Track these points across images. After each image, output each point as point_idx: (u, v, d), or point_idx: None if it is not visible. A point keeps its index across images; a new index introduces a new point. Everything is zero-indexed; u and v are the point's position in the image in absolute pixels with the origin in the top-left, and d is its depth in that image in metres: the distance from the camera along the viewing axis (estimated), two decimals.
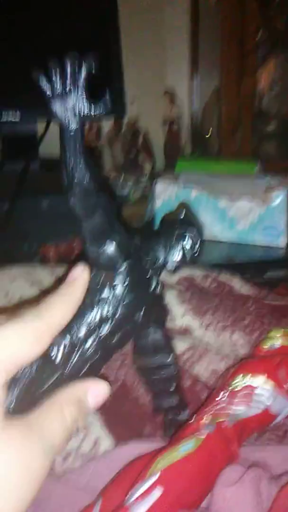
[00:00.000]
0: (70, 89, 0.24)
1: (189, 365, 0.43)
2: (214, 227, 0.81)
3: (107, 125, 1.35)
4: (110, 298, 0.26)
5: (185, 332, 0.48)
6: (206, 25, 1.33)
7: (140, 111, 1.39)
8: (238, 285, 0.57)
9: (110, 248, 0.27)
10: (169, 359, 0.33)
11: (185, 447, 0.26)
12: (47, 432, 0.19)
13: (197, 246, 0.30)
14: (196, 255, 0.31)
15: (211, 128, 1.32)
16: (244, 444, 0.32)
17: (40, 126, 1.01)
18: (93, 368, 0.25)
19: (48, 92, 0.24)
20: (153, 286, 0.29)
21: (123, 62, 0.98)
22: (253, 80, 1.19)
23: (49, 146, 1.27)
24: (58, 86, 0.24)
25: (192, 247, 0.31)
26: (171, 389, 0.34)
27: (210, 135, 1.32)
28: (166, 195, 0.85)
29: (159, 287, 0.30)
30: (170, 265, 0.30)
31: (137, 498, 0.23)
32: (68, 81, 0.24)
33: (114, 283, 0.26)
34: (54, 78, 0.24)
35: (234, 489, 0.26)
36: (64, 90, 0.24)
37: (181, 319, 0.50)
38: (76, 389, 0.21)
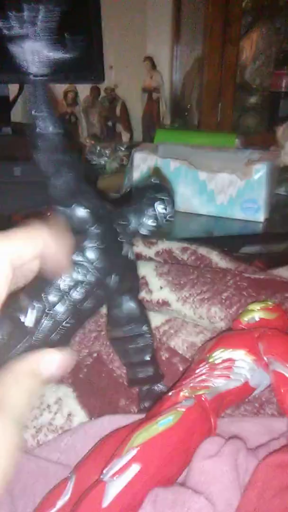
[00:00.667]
0: (29, 31, 0.23)
1: (167, 338, 0.42)
2: (194, 200, 0.80)
3: (84, 91, 1.30)
4: (81, 261, 0.25)
5: (163, 305, 0.47)
6: None
7: (119, 79, 1.35)
8: (217, 258, 0.56)
9: (80, 210, 0.26)
10: (144, 328, 0.32)
11: (164, 421, 0.25)
12: (8, 406, 0.19)
13: (169, 209, 0.29)
14: (168, 218, 0.30)
15: (189, 104, 1.29)
16: (222, 416, 0.32)
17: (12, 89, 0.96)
18: (64, 333, 0.25)
19: (7, 32, 0.23)
20: (125, 251, 0.28)
21: (102, 27, 0.94)
22: (236, 49, 1.16)
23: (22, 111, 1.21)
24: (16, 26, 0.23)
25: (164, 209, 0.29)
26: (146, 359, 0.33)
27: (190, 106, 1.29)
28: (144, 166, 0.83)
29: (131, 252, 0.29)
30: (142, 229, 0.29)
31: (113, 474, 0.23)
32: (27, 23, 0.23)
33: (85, 246, 0.26)
34: (11, 19, 0.22)
35: (211, 462, 0.25)
36: (23, 31, 0.23)
37: (158, 292, 0.49)
38: (29, 361, 0.21)
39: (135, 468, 0.23)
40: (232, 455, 0.25)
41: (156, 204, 0.29)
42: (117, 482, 0.22)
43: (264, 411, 0.32)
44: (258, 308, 0.37)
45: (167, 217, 0.29)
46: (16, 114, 1.13)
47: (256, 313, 0.36)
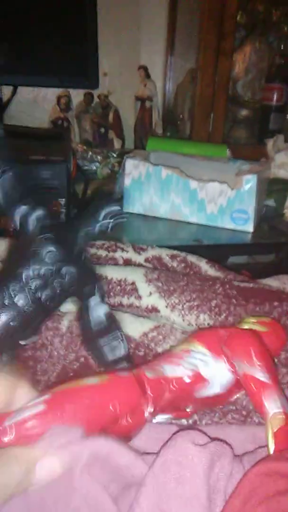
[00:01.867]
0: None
1: (155, 344, 0.42)
2: (184, 208, 0.80)
3: (77, 96, 1.30)
4: (38, 258, 0.28)
5: (152, 311, 0.47)
6: (185, 3, 1.29)
7: (112, 86, 1.35)
8: (206, 266, 0.56)
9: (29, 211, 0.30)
10: (116, 333, 0.33)
11: (89, 380, 0.27)
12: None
13: (117, 211, 0.33)
14: (118, 219, 0.33)
15: (182, 115, 1.30)
16: (209, 423, 0.31)
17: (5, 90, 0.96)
18: (24, 320, 0.27)
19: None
20: (78, 249, 0.31)
21: (98, 34, 0.94)
22: (229, 62, 1.18)
23: (15, 113, 1.21)
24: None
25: (112, 212, 0.33)
26: (120, 356, 0.34)
27: (182, 117, 1.30)
28: (136, 173, 0.83)
29: (84, 252, 0.32)
30: (93, 229, 0.32)
31: (24, 407, 0.24)
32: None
33: (42, 240, 0.29)
34: None
35: (181, 461, 0.25)
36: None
37: (148, 298, 0.48)
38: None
39: (40, 407, 0.24)
40: (208, 458, 0.25)
41: (106, 209, 0.32)
42: (18, 413, 0.24)
43: (251, 420, 0.32)
44: (254, 321, 0.37)
45: (115, 219, 0.33)
46: (9, 116, 1.13)
47: (249, 324, 0.36)
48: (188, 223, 0.81)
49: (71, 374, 0.40)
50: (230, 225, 0.78)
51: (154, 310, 0.48)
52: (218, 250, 0.75)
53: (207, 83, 1.19)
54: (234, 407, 0.33)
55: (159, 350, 0.41)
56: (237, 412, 0.32)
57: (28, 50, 0.83)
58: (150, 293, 0.49)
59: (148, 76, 1.34)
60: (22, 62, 0.84)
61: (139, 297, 0.48)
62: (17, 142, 0.89)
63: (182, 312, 0.46)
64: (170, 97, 1.36)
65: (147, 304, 0.48)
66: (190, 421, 0.33)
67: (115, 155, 1.13)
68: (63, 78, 0.85)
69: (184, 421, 0.33)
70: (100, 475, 0.25)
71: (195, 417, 0.33)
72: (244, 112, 1.30)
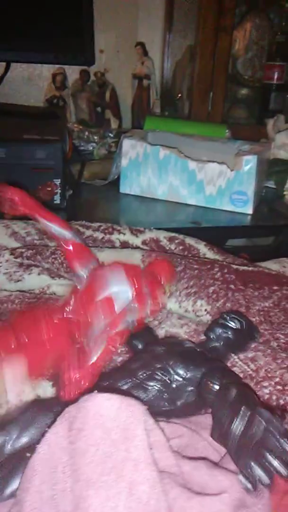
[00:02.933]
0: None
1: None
2: (182, 189, 0.79)
3: (73, 74, 1.27)
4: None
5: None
6: None
7: (109, 64, 1.31)
8: (205, 249, 0.55)
9: None
10: None
11: None
12: None
13: None
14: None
15: (180, 93, 1.27)
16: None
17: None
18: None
19: None
20: None
21: (94, 10, 0.91)
22: (229, 39, 1.14)
23: (9, 91, 1.18)
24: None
25: None
26: None
27: (180, 96, 1.27)
28: (133, 153, 0.81)
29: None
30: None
31: None
32: None
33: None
34: None
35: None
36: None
37: None
38: None
39: None
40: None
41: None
42: None
43: None
44: None
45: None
46: (3, 94, 1.10)
47: None
48: (186, 204, 0.79)
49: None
50: (229, 207, 0.77)
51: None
52: (216, 233, 0.74)
53: (206, 61, 1.15)
54: None
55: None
56: None
57: (22, 26, 0.79)
58: None
59: (145, 53, 1.30)
60: (15, 37, 0.81)
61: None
62: (10, 120, 0.86)
63: (179, 299, 0.45)
64: (168, 75, 1.33)
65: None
66: None
67: (112, 135, 1.11)
68: (58, 55, 0.82)
69: None
70: None
71: None
72: (244, 91, 1.27)
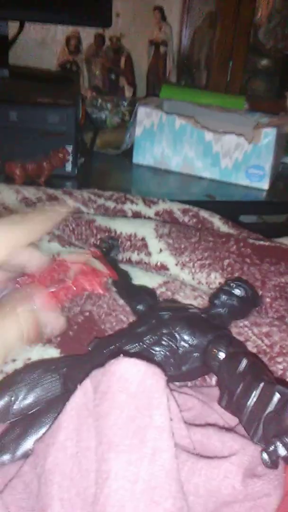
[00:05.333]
0: None
1: (163, 300, 0.40)
2: (197, 162, 0.76)
3: (87, 38, 1.22)
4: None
5: (161, 268, 0.45)
6: None
7: (125, 29, 1.27)
8: (219, 222, 0.54)
9: None
10: None
11: None
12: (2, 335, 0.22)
13: None
14: None
15: (198, 62, 1.22)
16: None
17: (12, 29, 0.89)
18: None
19: None
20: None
21: None
22: (251, 7, 1.09)
23: (22, 54, 1.14)
24: None
25: None
26: None
27: (198, 64, 1.23)
28: (148, 122, 0.78)
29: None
30: None
31: None
32: None
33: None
34: None
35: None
36: None
37: (157, 255, 0.46)
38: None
39: None
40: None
41: None
42: None
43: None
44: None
45: None
46: (15, 56, 1.06)
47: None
48: (200, 177, 0.77)
49: (75, 327, 0.38)
50: (244, 182, 0.74)
51: (163, 268, 0.46)
52: (230, 207, 0.72)
53: (227, 29, 1.11)
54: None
55: None
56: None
57: None
58: (160, 250, 0.47)
59: (164, 18, 1.25)
60: None
61: (148, 254, 0.46)
62: (23, 83, 0.83)
63: (193, 270, 0.44)
64: (186, 42, 1.28)
65: (156, 261, 0.46)
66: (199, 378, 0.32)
67: (125, 104, 1.07)
68: (74, 15, 0.78)
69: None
70: None
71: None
72: (264, 62, 1.22)
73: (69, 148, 0.71)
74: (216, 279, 0.43)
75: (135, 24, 1.28)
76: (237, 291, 0.34)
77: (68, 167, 0.72)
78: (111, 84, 1.24)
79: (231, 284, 0.34)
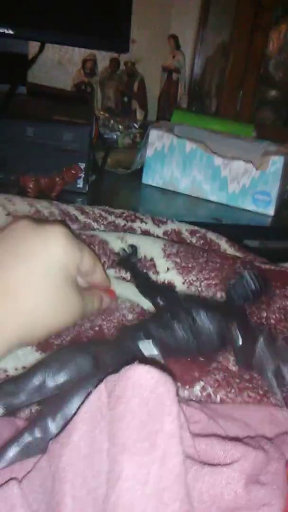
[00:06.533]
0: None
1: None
2: (205, 185, 0.78)
3: (103, 62, 1.27)
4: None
5: (168, 286, 0.46)
6: None
7: (140, 54, 1.31)
8: (226, 245, 0.55)
9: None
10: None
11: None
12: (86, 302, 0.34)
13: None
14: None
15: (209, 90, 1.26)
16: (224, 399, 0.31)
17: (31, 48, 0.92)
18: None
19: None
20: None
21: None
22: (264, 39, 1.13)
23: (39, 73, 1.18)
24: None
25: None
26: None
27: (209, 92, 1.26)
28: (159, 145, 0.81)
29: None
30: None
31: None
32: None
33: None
34: None
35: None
36: None
37: (165, 274, 0.47)
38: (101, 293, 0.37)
39: None
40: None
41: None
42: None
43: (267, 400, 0.31)
44: None
45: None
46: (32, 74, 1.10)
47: None
48: (208, 201, 0.79)
49: (85, 340, 0.39)
50: (250, 207, 0.76)
51: (170, 285, 0.47)
52: (235, 231, 0.74)
53: (239, 59, 1.15)
54: (250, 385, 0.32)
55: None
56: (253, 391, 0.32)
57: (60, 6, 0.79)
58: (168, 269, 0.48)
59: (178, 46, 1.29)
60: (52, 18, 0.81)
61: (156, 272, 0.47)
62: (40, 101, 0.86)
63: (199, 289, 0.45)
64: (198, 71, 1.32)
65: (163, 279, 0.47)
66: (204, 394, 0.32)
67: (137, 126, 1.11)
68: (94, 38, 0.82)
69: (198, 393, 0.33)
70: None
71: (209, 390, 0.33)
72: (273, 93, 1.26)
73: (82, 165, 0.73)
74: (222, 298, 0.44)
75: (150, 50, 1.32)
76: (251, 286, 0.37)
77: (80, 183, 0.74)
78: (123, 107, 1.28)
79: (246, 276, 0.37)
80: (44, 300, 0.29)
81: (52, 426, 0.23)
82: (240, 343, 0.30)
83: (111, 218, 0.60)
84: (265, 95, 1.27)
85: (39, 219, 0.36)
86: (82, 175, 0.74)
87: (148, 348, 0.30)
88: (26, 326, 0.28)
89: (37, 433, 0.22)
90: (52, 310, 0.30)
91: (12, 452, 0.21)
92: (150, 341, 0.30)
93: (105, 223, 0.59)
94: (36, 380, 0.25)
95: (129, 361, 0.22)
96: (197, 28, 1.31)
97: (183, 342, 0.31)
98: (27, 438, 0.22)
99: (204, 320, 0.31)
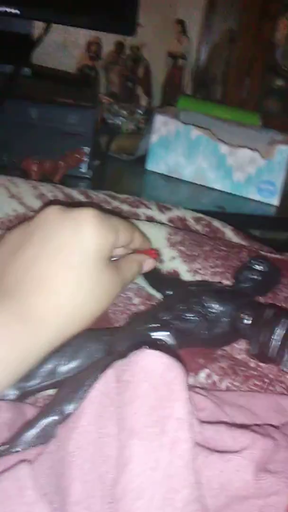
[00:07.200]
0: None
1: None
2: (209, 173, 0.78)
3: (108, 46, 1.24)
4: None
5: (173, 275, 0.46)
6: None
7: (145, 39, 1.29)
8: (231, 233, 0.55)
9: None
10: None
11: None
12: (125, 274, 0.33)
13: None
14: None
15: (214, 77, 1.24)
16: (230, 387, 0.31)
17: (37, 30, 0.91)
18: None
19: None
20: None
21: None
22: (273, 26, 1.12)
23: (42, 56, 1.16)
24: None
25: None
26: None
27: (214, 79, 1.25)
28: (164, 131, 0.80)
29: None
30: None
31: None
32: None
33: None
34: None
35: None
36: None
37: (170, 262, 0.47)
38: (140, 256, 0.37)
39: None
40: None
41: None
42: None
43: (273, 388, 0.31)
44: None
45: None
46: (35, 56, 1.08)
47: None
48: (212, 189, 0.78)
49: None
50: (254, 196, 0.76)
51: (175, 274, 0.46)
52: (238, 220, 0.73)
53: (247, 47, 1.13)
54: (256, 373, 0.32)
55: None
56: (259, 379, 0.32)
57: None
58: (173, 258, 0.47)
59: (184, 32, 1.27)
60: None
61: (161, 261, 0.47)
62: (45, 83, 0.85)
63: (205, 277, 0.45)
64: (204, 57, 1.30)
65: (168, 268, 0.47)
66: (209, 381, 0.32)
67: (141, 112, 1.09)
68: (100, 20, 0.80)
69: (202, 380, 0.32)
70: None
71: (214, 377, 0.32)
72: (279, 82, 1.24)
73: (86, 150, 0.72)
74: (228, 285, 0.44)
75: (156, 35, 1.30)
76: (258, 267, 0.36)
77: (83, 168, 0.73)
78: (127, 92, 1.26)
79: (253, 261, 0.37)
80: (82, 290, 0.29)
81: (69, 409, 0.22)
82: (253, 331, 0.29)
83: (115, 203, 0.59)
84: (271, 84, 1.25)
85: (69, 204, 0.36)
86: (86, 159, 0.73)
87: (162, 337, 0.30)
88: (68, 319, 0.28)
89: (54, 416, 0.22)
90: (91, 298, 0.29)
91: (30, 434, 0.21)
92: (166, 331, 0.30)
93: (109, 208, 0.58)
94: (50, 365, 0.25)
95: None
96: (204, 14, 1.29)
97: (196, 331, 0.31)
98: (44, 420, 0.22)
99: (215, 307, 0.31)
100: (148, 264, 0.38)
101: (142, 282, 0.42)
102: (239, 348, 0.35)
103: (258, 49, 1.13)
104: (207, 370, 0.33)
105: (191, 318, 0.31)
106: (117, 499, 0.18)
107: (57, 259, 0.29)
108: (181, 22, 1.27)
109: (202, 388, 0.31)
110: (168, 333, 0.30)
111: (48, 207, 0.32)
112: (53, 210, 0.31)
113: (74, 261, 0.29)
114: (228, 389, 0.31)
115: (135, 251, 0.37)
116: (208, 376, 0.33)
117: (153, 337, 0.29)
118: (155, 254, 0.40)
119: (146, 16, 1.27)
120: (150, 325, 0.30)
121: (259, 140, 0.78)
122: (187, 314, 0.31)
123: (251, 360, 0.34)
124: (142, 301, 0.39)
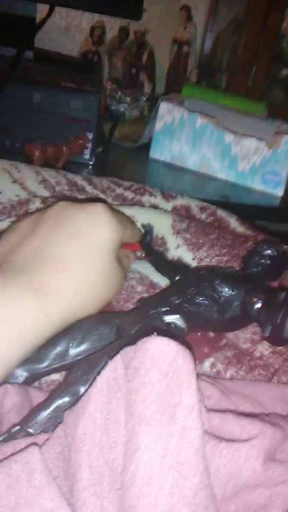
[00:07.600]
0: None
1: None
2: (214, 163, 0.77)
3: (112, 30, 1.22)
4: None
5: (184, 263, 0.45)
6: None
7: (150, 25, 1.27)
8: (236, 223, 0.54)
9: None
10: None
11: None
12: (124, 266, 0.35)
13: None
14: None
15: (220, 65, 1.23)
16: (234, 376, 0.31)
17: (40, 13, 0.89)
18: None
19: None
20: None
21: None
22: (280, 15, 1.10)
23: (45, 40, 1.14)
24: None
25: None
26: None
27: (220, 67, 1.23)
28: (169, 118, 0.79)
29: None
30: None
31: None
32: None
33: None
34: None
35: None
36: None
37: (175, 251, 0.46)
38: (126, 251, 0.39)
39: None
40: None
41: None
42: None
43: (278, 378, 0.31)
44: None
45: None
46: (37, 40, 1.06)
47: None
48: (216, 178, 0.78)
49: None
50: (259, 186, 0.75)
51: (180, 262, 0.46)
52: (242, 211, 0.72)
53: (253, 35, 1.11)
54: (261, 362, 0.32)
55: None
56: (264, 368, 0.31)
57: None
58: (178, 246, 0.47)
59: (190, 18, 1.25)
60: None
61: (166, 249, 0.47)
62: (48, 67, 0.83)
63: (210, 265, 0.44)
64: (209, 44, 1.28)
65: (173, 256, 0.46)
66: (214, 370, 0.32)
67: (145, 99, 1.08)
68: (105, 3, 0.78)
69: (207, 369, 0.32)
70: None
71: (219, 366, 0.32)
72: (285, 72, 1.23)
73: (90, 136, 0.71)
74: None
75: (161, 21, 1.28)
76: (268, 251, 0.36)
77: (87, 154, 0.72)
78: (131, 78, 1.24)
79: (262, 246, 0.37)
80: (95, 275, 0.31)
81: (82, 390, 0.22)
82: (265, 314, 0.29)
83: (119, 191, 0.59)
84: (277, 73, 1.23)
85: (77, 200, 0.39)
86: (90, 145, 0.72)
87: (173, 320, 0.29)
88: (80, 300, 0.29)
89: (68, 397, 0.22)
90: (102, 284, 0.31)
91: (43, 415, 0.21)
92: (177, 314, 0.30)
93: (113, 195, 0.58)
94: (60, 347, 0.25)
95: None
96: (211, 1, 1.27)
97: (207, 314, 0.31)
98: (57, 401, 0.22)
99: (226, 291, 0.31)
100: (133, 258, 0.41)
101: (144, 270, 0.42)
102: (244, 338, 0.35)
103: (265, 38, 1.11)
104: (211, 359, 0.33)
105: (202, 301, 0.31)
106: (126, 486, 0.18)
107: (73, 242, 0.30)
108: (187, 8, 1.25)
109: (208, 376, 0.31)
110: (179, 316, 0.29)
111: (58, 201, 0.33)
112: (66, 203, 0.33)
113: (90, 246, 0.31)
114: (232, 379, 0.31)
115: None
116: (213, 365, 0.33)
117: (164, 320, 0.29)
118: (137, 246, 0.41)
119: (152, 1, 1.25)
120: (161, 309, 0.30)
121: (265, 130, 0.77)
122: (198, 298, 0.31)
123: (256, 349, 0.34)
124: (146, 289, 0.39)
